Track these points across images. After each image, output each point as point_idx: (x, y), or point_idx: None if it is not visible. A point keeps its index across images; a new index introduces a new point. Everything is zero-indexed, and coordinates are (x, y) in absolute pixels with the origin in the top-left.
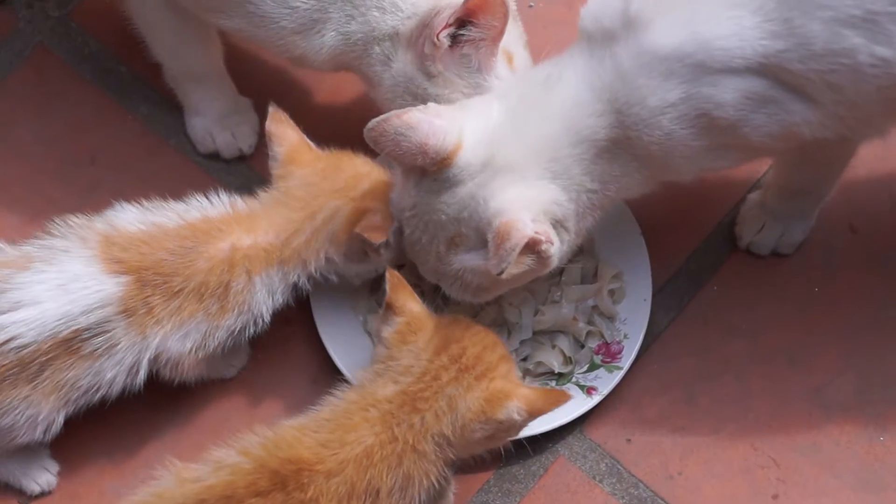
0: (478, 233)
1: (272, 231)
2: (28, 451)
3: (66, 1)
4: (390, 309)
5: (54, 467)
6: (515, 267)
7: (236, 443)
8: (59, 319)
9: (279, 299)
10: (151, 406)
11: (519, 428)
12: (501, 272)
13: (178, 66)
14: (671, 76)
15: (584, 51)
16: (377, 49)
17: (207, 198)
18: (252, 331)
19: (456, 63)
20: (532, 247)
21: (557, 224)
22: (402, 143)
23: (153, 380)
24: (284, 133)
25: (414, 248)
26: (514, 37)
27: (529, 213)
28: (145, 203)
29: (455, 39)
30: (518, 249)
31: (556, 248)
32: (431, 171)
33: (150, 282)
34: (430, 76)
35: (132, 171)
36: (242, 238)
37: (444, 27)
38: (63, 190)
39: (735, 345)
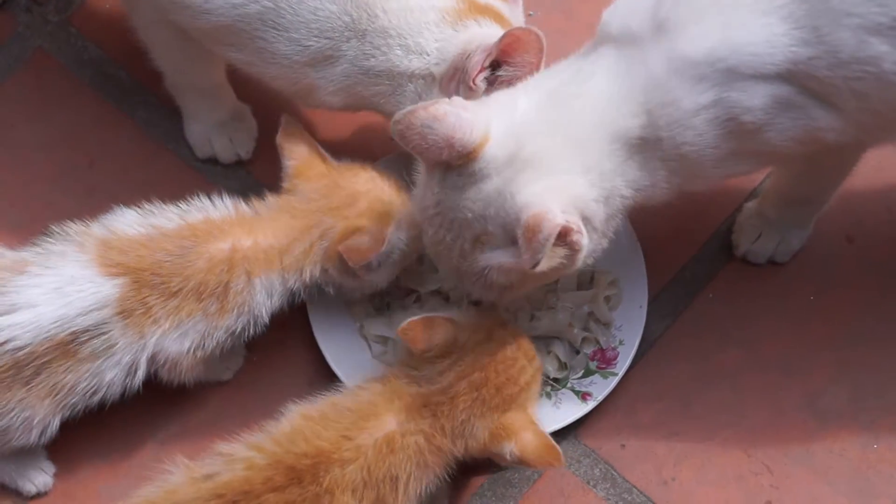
0: (505, 230)
1: (272, 235)
2: (25, 453)
3: (65, 6)
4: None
5: (51, 468)
6: (549, 260)
7: (246, 438)
8: (55, 322)
9: (276, 302)
10: (147, 408)
11: (510, 464)
12: (536, 265)
13: (181, 80)
14: (703, 80)
15: (611, 51)
16: (411, 87)
17: (210, 199)
18: (250, 332)
19: None
20: (564, 237)
21: (585, 221)
22: (429, 135)
23: (149, 383)
24: (294, 147)
25: (437, 247)
26: None
27: (559, 205)
28: (145, 206)
29: (490, 80)
30: (552, 239)
31: (586, 241)
32: (456, 165)
33: (148, 282)
34: None
35: (130, 176)
36: (243, 239)
37: (480, 70)
38: (61, 194)
39: (730, 352)
